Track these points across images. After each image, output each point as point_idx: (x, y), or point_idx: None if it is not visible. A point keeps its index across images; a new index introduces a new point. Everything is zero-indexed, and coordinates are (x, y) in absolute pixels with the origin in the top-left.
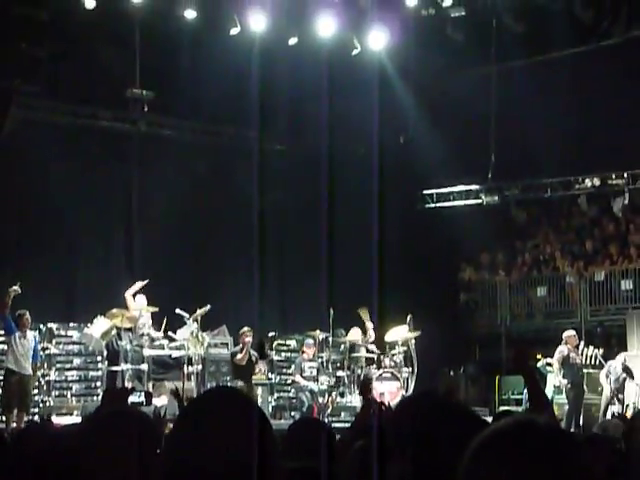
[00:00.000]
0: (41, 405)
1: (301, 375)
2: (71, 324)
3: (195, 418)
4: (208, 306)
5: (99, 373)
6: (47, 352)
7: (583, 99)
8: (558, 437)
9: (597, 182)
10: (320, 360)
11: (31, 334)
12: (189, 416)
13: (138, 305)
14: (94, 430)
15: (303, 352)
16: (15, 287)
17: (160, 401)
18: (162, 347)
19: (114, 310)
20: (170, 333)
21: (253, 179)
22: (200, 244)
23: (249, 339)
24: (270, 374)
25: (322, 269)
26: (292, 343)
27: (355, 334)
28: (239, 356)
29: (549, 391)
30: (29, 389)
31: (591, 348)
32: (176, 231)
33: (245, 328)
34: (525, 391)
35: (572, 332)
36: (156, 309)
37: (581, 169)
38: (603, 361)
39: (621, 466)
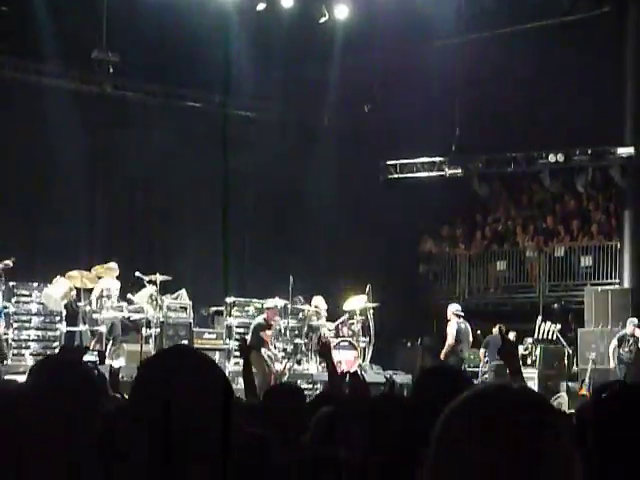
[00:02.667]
0: None
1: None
2: (31, 283)
3: (157, 374)
4: (169, 277)
5: (57, 333)
6: (6, 310)
7: (548, 74)
8: (531, 401)
9: (560, 158)
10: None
11: None
12: (151, 371)
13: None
14: (35, 380)
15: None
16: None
17: (118, 363)
18: (121, 309)
19: (74, 272)
20: (129, 295)
21: (218, 144)
22: (161, 208)
23: (278, 318)
24: (227, 340)
25: (283, 236)
26: (250, 309)
27: (317, 302)
28: (268, 332)
29: None
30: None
31: (549, 323)
32: (138, 194)
33: (273, 303)
34: (481, 364)
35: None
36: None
37: (545, 144)
38: (560, 337)
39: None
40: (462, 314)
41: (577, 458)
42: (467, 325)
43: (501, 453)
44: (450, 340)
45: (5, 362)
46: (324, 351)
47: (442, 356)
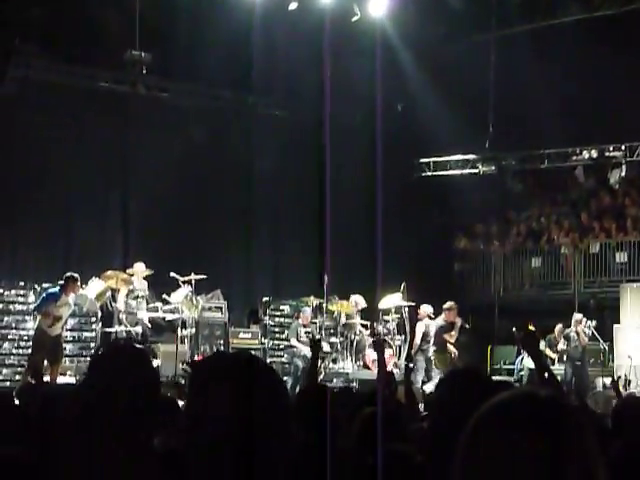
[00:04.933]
0: None
1: (297, 340)
2: None
3: (209, 382)
4: (204, 276)
5: (93, 334)
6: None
7: (583, 69)
8: (558, 409)
9: (594, 154)
10: (314, 326)
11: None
12: (204, 379)
13: (135, 269)
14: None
15: (298, 317)
16: None
17: (154, 363)
18: (156, 310)
19: (109, 272)
20: (165, 296)
21: (250, 144)
22: (196, 208)
23: (459, 319)
24: (263, 339)
25: (317, 236)
26: (286, 308)
27: (356, 299)
28: (452, 333)
29: None
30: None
31: (585, 320)
32: (172, 195)
33: (451, 303)
34: (517, 361)
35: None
36: (151, 272)
37: (579, 140)
38: (596, 333)
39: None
40: (433, 316)
41: (601, 461)
42: (436, 327)
43: (525, 460)
44: (417, 340)
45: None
46: (378, 346)
47: (412, 353)
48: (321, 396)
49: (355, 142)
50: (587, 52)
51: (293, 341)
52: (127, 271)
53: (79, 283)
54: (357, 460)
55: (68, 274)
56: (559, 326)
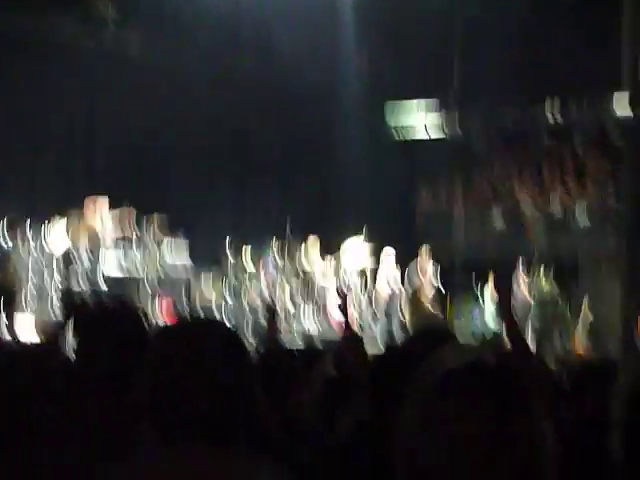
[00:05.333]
0: None
1: (260, 297)
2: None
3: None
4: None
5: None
6: None
7: (546, 30)
8: (507, 376)
9: (559, 115)
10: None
11: None
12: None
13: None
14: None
15: (259, 267)
16: None
17: None
18: (119, 265)
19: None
20: (125, 249)
21: (217, 99)
22: (161, 160)
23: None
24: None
25: (281, 177)
26: (248, 251)
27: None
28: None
29: None
30: None
31: (544, 280)
32: (137, 148)
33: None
34: (475, 315)
35: None
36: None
37: (543, 100)
38: (557, 294)
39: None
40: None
41: (549, 427)
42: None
43: (472, 429)
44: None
45: None
46: (342, 306)
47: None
48: (278, 359)
49: (320, 100)
50: (551, 10)
51: (252, 297)
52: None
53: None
54: (313, 427)
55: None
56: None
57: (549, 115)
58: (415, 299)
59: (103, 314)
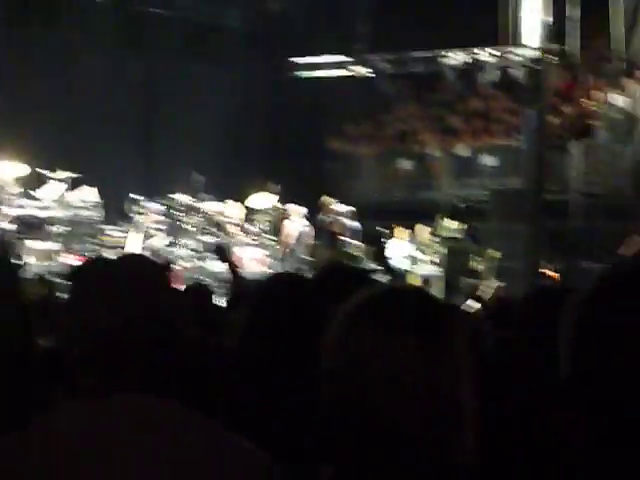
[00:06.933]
0: None
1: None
2: None
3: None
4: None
5: None
6: None
7: None
8: (428, 306)
9: (466, 57)
10: (181, 224)
11: None
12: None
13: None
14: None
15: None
16: None
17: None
18: (25, 206)
19: None
20: (34, 192)
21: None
22: (74, 113)
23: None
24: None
25: (188, 133)
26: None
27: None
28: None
29: None
30: None
31: (454, 222)
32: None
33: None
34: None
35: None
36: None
37: (450, 43)
38: (467, 235)
39: None
40: (308, 216)
41: (469, 360)
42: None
43: (393, 358)
44: (291, 240)
45: None
46: (220, 254)
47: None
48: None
49: (228, 41)
50: None
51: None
52: None
53: None
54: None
55: None
56: (418, 226)
57: (455, 58)
58: (330, 237)
59: None
